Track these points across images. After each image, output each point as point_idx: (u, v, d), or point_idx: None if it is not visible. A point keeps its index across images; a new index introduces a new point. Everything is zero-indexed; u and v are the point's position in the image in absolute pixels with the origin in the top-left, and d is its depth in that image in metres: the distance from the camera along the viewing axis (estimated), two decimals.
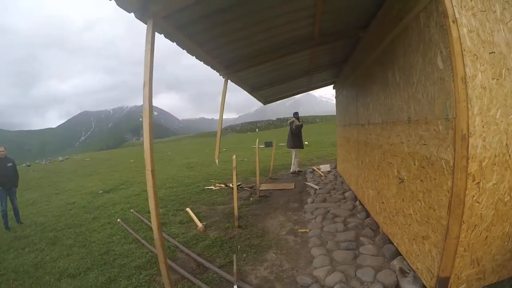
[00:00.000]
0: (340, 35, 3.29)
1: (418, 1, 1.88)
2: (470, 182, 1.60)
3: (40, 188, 9.54)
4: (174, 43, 2.52)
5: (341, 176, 5.98)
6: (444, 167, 1.71)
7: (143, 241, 3.47)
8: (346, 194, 4.65)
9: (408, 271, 2.11)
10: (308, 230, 3.40)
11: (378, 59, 2.85)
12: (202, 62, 3.24)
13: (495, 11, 1.64)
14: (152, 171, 1.93)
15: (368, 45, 3.16)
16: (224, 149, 19.72)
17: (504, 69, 1.62)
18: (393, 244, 2.57)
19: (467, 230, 1.66)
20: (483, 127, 1.60)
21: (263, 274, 2.56)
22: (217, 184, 6.84)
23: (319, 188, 5.29)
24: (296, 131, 7.28)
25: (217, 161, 4.09)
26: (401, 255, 2.36)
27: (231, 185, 6.45)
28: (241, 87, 4.99)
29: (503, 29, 1.64)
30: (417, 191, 2.07)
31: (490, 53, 1.61)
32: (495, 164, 1.63)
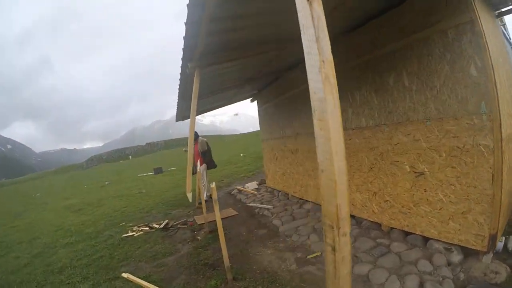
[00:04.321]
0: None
1: (445, 18, 2.50)
2: (503, 157, 2.32)
3: None
4: None
5: (279, 191, 6.26)
6: (483, 150, 2.36)
7: None
8: (306, 207, 4.92)
9: (450, 247, 2.60)
10: (319, 253, 3.29)
11: (367, 65, 3.40)
12: None
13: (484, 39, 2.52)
14: None
15: (347, 52, 3.66)
16: (106, 183, 17.07)
17: (498, 79, 2.51)
18: (414, 234, 3.04)
19: (503, 193, 2.36)
20: (503, 117, 2.37)
21: None
22: (139, 228, 5.15)
23: (274, 207, 5.26)
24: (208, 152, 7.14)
25: (189, 195, 3.12)
26: (430, 239, 2.86)
27: (155, 225, 5.06)
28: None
29: (490, 51, 2.53)
30: (448, 178, 2.64)
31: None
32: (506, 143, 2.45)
